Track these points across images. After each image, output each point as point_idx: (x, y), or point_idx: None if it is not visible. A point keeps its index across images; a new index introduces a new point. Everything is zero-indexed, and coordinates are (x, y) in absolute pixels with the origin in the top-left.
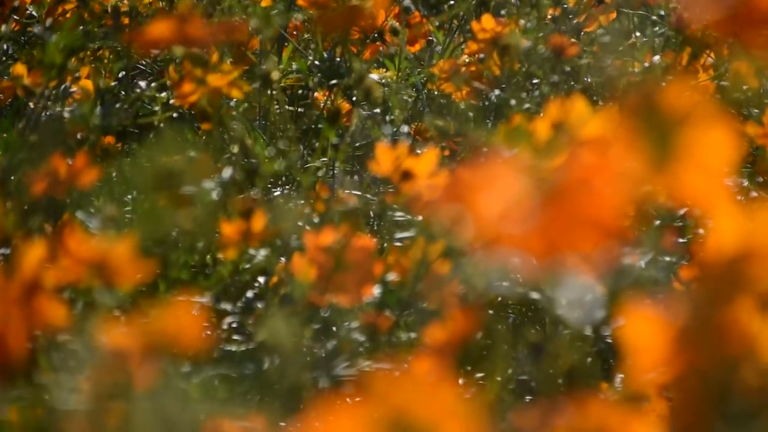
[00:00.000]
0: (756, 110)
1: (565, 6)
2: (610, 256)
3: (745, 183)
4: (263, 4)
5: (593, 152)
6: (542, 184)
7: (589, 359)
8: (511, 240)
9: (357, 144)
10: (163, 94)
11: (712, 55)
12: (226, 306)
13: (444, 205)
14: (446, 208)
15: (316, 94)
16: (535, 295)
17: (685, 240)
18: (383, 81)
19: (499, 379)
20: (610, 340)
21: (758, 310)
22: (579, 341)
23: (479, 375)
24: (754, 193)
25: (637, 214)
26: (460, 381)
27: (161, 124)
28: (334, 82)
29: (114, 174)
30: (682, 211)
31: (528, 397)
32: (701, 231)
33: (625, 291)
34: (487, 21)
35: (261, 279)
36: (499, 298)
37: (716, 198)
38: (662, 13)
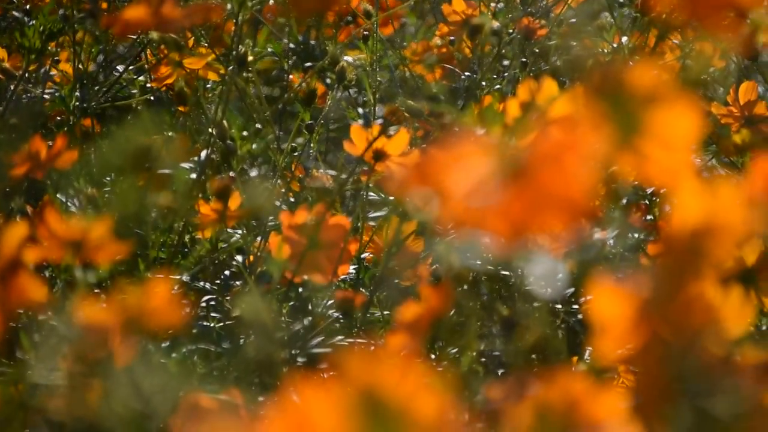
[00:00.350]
0: (721, 90)
1: None
2: (578, 233)
3: (711, 161)
4: None
5: (561, 131)
6: (510, 162)
7: (560, 334)
8: (479, 218)
9: (332, 125)
10: (141, 78)
11: (678, 36)
12: (204, 284)
13: (414, 183)
14: (417, 187)
15: (291, 76)
16: (505, 272)
17: (652, 218)
18: (357, 63)
19: (470, 354)
20: (579, 316)
21: (720, 283)
22: (549, 316)
23: (452, 350)
24: (719, 171)
25: (604, 192)
26: (433, 356)
27: (139, 107)
28: (308, 64)
29: (93, 155)
30: (649, 190)
31: (500, 372)
32: (667, 208)
33: (593, 267)
34: (458, 4)
35: (238, 258)
36: (471, 275)
37: (680, 175)
38: None
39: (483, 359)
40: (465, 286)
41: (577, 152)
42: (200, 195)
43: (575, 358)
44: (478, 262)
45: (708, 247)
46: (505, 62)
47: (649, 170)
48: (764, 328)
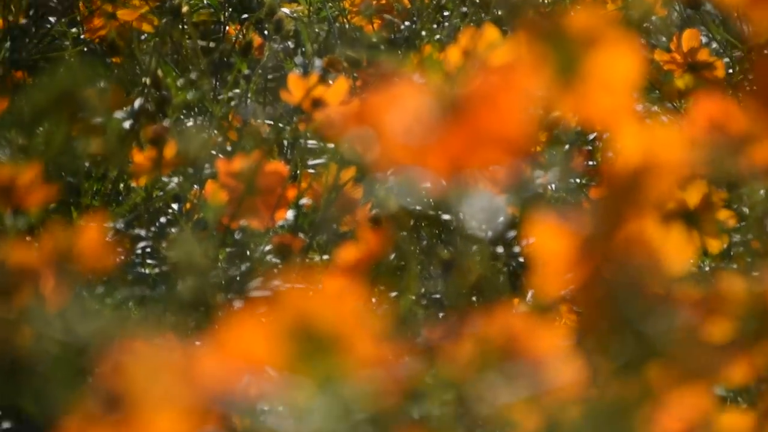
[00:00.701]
0: (663, 38)
1: None
2: (518, 174)
3: (654, 108)
4: None
5: (500, 74)
6: (448, 100)
7: (501, 277)
8: (417, 156)
9: (269, 76)
10: (74, 30)
11: None
12: (139, 232)
13: (352, 124)
14: (355, 128)
15: (228, 28)
16: (445, 216)
17: (594, 163)
18: (295, 15)
19: (410, 296)
20: (521, 259)
21: (662, 222)
22: (489, 259)
23: (392, 293)
24: (662, 117)
25: (546, 135)
26: (373, 299)
27: (72, 59)
28: (245, 16)
29: (24, 105)
30: (592, 135)
31: (440, 315)
32: (609, 153)
33: (534, 208)
34: None
35: (174, 206)
36: (411, 219)
37: (621, 116)
38: None
39: (423, 302)
40: (404, 231)
41: (514, 90)
42: (134, 143)
43: (516, 300)
44: (418, 207)
45: (648, 186)
46: (446, 13)
47: (589, 113)
48: (707, 269)
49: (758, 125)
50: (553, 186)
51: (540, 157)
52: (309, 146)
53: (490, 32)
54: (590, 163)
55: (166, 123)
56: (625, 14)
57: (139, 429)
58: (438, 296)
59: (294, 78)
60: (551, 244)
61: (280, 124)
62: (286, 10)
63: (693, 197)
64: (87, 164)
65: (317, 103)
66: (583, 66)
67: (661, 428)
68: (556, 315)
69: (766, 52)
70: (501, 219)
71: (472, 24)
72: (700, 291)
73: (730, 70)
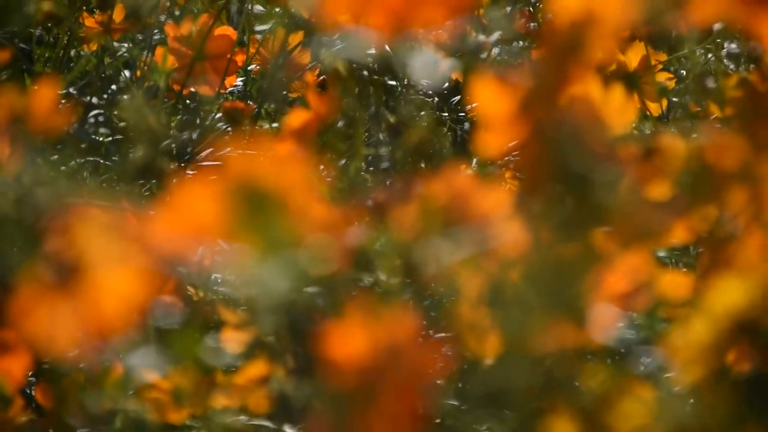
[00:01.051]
0: None
1: None
2: (459, 34)
3: None
4: None
5: None
6: None
7: (446, 141)
8: (360, 15)
9: None
10: None
11: None
12: (91, 99)
13: None
14: None
15: None
16: (391, 81)
17: (535, 24)
18: None
19: (358, 161)
20: (466, 125)
21: (602, 83)
22: (434, 122)
23: (340, 158)
24: None
25: None
26: (321, 164)
27: None
28: None
29: None
30: None
31: (388, 179)
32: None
33: (477, 68)
34: None
35: (125, 72)
36: (356, 82)
37: None
38: None
39: (371, 167)
40: (351, 96)
41: None
42: (84, 7)
43: (462, 164)
44: (364, 71)
45: (588, 42)
46: None
47: None
48: (646, 132)
49: None
50: (496, 49)
51: (483, 20)
52: (256, 11)
53: None
54: (532, 25)
55: None
56: None
57: (91, 293)
58: (385, 161)
59: None
60: (494, 104)
61: None
62: None
63: (632, 59)
64: (38, 30)
65: None
66: None
67: (604, 289)
68: (500, 178)
69: None
70: (445, 79)
71: None
72: (640, 149)
73: None
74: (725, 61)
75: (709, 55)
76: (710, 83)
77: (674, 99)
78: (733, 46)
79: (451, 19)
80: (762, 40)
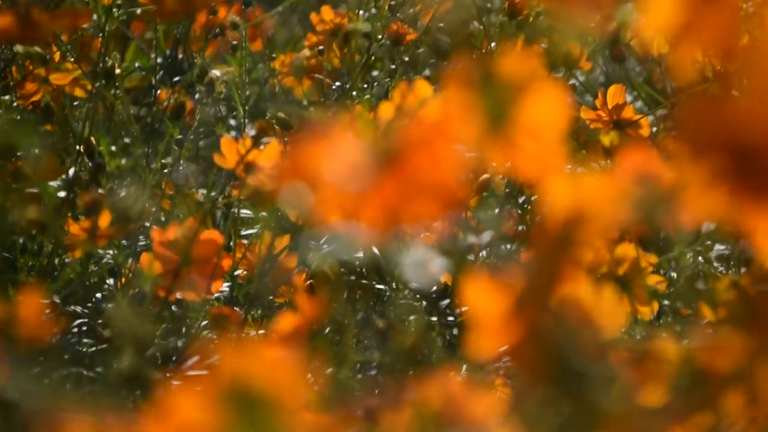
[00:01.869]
0: (589, 97)
1: None
2: (451, 229)
3: (580, 168)
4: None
5: (432, 123)
6: (380, 151)
7: (436, 346)
8: (351, 209)
9: (201, 141)
10: (6, 97)
11: (545, 40)
12: (75, 308)
13: (287, 177)
14: (289, 181)
15: (159, 92)
16: (379, 285)
17: (524, 227)
18: (226, 78)
19: (348, 367)
20: (455, 331)
21: (593, 284)
22: (424, 327)
23: (329, 363)
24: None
25: (476, 183)
26: (310, 369)
27: (5, 127)
28: (176, 78)
29: None
30: (521, 199)
31: (377, 383)
32: (539, 214)
33: (468, 272)
34: (327, 12)
35: (109, 281)
36: (344, 288)
37: (550, 165)
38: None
39: (361, 372)
40: (339, 302)
41: (446, 138)
42: (69, 213)
43: (453, 368)
44: (352, 276)
45: (579, 239)
46: (375, 72)
47: (519, 160)
48: (638, 337)
49: (684, 174)
50: (485, 252)
51: (472, 221)
52: (242, 215)
53: (421, 87)
54: (521, 228)
55: (100, 191)
56: (549, 56)
57: None
58: (375, 366)
59: (226, 141)
60: (485, 305)
61: (213, 193)
62: (216, 72)
63: (623, 261)
64: (22, 239)
65: (250, 167)
66: (512, 112)
67: None
68: (491, 383)
69: (690, 100)
70: (434, 281)
71: (401, 81)
72: (633, 353)
73: (655, 128)
74: (714, 263)
75: (699, 258)
76: (701, 286)
77: (665, 302)
78: (722, 247)
79: (443, 214)
80: (753, 238)
